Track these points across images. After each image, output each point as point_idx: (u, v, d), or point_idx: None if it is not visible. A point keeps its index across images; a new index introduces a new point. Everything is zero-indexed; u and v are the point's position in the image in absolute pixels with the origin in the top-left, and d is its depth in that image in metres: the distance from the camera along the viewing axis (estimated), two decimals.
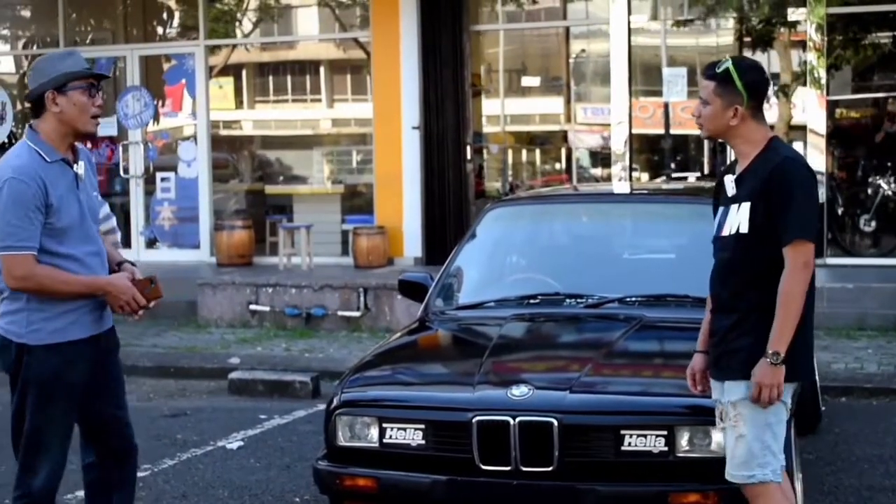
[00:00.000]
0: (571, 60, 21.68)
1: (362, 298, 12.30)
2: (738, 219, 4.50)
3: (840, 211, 14.44)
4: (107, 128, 14.69)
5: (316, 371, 10.25)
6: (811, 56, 13.61)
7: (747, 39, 19.64)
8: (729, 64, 4.48)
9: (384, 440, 5.24)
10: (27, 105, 15.83)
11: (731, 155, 17.17)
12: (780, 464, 4.48)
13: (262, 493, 6.99)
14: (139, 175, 15.37)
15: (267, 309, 12.59)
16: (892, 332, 11.40)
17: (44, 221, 4.65)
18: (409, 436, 5.19)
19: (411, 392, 5.57)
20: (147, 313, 5.11)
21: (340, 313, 12.34)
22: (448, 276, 6.78)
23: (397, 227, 14.27)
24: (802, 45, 18.39)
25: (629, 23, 13.81)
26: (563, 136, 21.55)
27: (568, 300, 6.30)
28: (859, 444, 7.82)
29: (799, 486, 5.86)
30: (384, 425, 5.24)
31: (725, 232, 4.59)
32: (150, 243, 15.27)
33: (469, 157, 14.17)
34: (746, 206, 4.47)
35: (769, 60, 21.90)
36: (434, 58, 13.99)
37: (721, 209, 4.67)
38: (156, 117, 15.71)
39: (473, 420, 5.01)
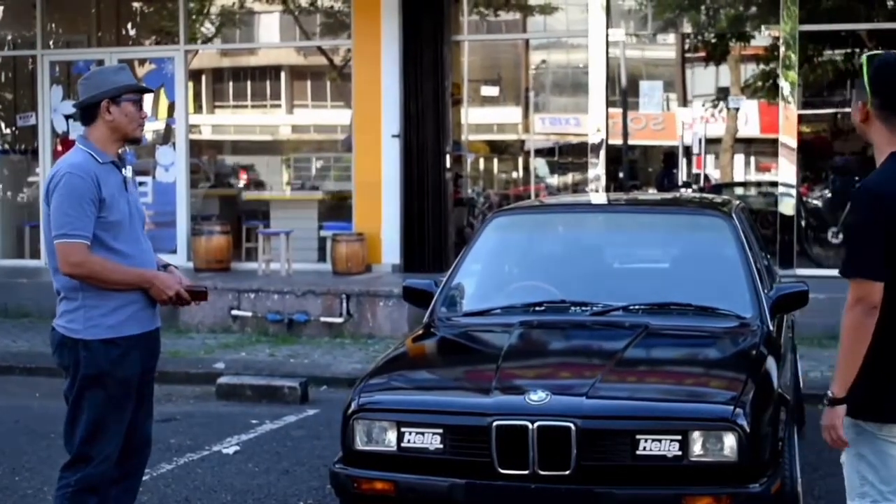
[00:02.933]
0: (532, 71, 21.91)
1: (345, 305, 12.41)
2: None
3: (803, 223, 14.65)
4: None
5: (302, 376, 10.36)
6: (782, 71, 13.83)
7: (702, 54, 19.99)
8: (864, 58, 4.21)
9: (402, 444, 5.31)
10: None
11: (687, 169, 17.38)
12: (885, 500, 4.21)
13: (265, 497, 7.07)
14: None
15: (249, 314, 12.67)
16: None
17: (97, 214, 4.97)
18: (427, 440, 5.26)
19: (429, 397, 5.66)
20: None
21: (323, 319, 12.45)
22: (453, 283, 6.86)
23: (376, 234, 14.38)
24: (756, 58, 18.79)
25: (607, 35, 13.98)
26: (521, 144, 21.76)
27: (573, 308, 6.40)
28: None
29: (800, 490, 6.05)
30: (402, 429, 5.31)
31: None
32: None
33: (448, 165, 14.31)
34: None
35: (717, 73, 22.28)
36: (415, 67, 14.12)
37: None
38: None
39: (492, 424, 5.11)
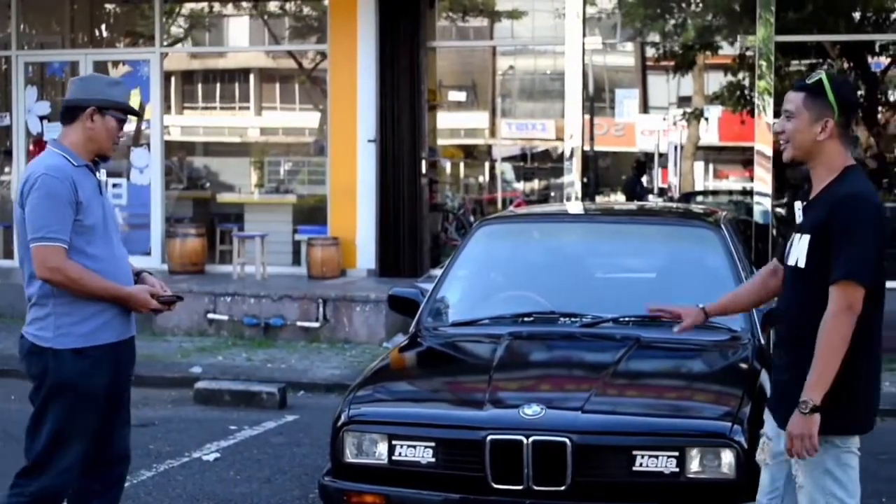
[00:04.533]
0: (500, 77, 22.00)
1: (321, 309, 12.34)
2: (799, 251, 4.29)
3: (774, 232, 14.67)
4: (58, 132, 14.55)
5: (280, 381, 10.31)
6: (756, 80, 13.86)
7: (670, 63, 20.12)
8: (822, 75, 4.28)
9: (393, 457, 5.25)
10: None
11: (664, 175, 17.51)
12: None
13: None
14: None
15: (225, 318, 12.58)
16: None
17: (74, 218, 4.84)
18: (419, 453, 5.21)
19: (421, 409, 5.59)
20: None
21: (299, 324, 12.39)
22: (440, 293, 6.80)
23: (351, 238, 14.31)
24: (725, 68, 18.92)
25: (584, 43, 13.97)
26: (489, 149, 21.88)
27: (562, 319, 6.36)
28: None
29: None
30: (393, 442, 5.25)
31: (790, 262, 4.37)
32: None
33: (424, 170, 14.26)
34: (806, 239, 4.26)
35: (679, 82, 22.45)
36: (391, 72, 14.05)
37: (791, 236, 4.45)
38: None
39: (487, 439, 5.05)
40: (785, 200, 15.96)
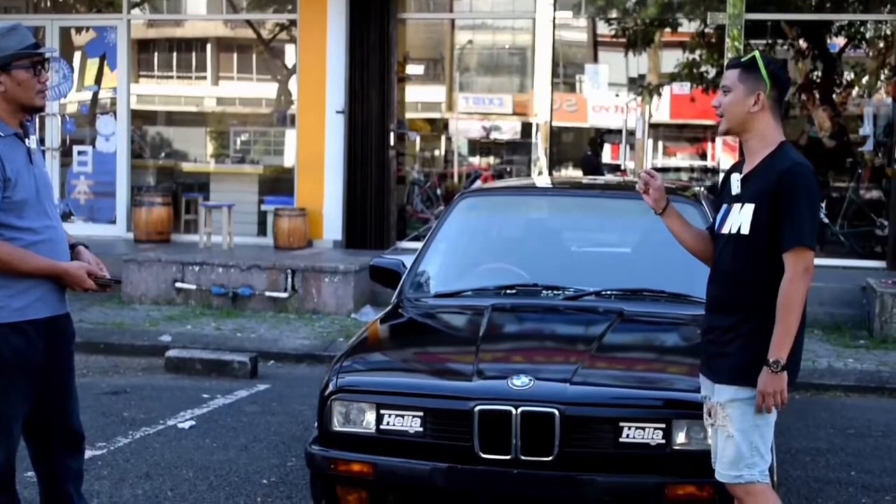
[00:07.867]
0: (470, 51, 21.88)
1: (290, 280, 12.34)
2: (740, 219, 4.54)
3: None
4: None
5: (250, 351, 10.32)
6: (727, 57, 13.94)
7: (622, 39, 20.21)
8: (756, 53, 4.58)
9: (381, 426, 5.27)
10: None
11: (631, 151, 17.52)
12: (767, 464, 4.58)
13: (227, 473, 7.00)
14: (55, 147, 15.15)
15: (193, 287, 12.54)
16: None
17: (2, 196, 4.56)
18: (407, 423, 5.23)
19: (410, 379, 5.63)
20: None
21: (268, 294, 12.38)
22: (422, 264, 6.84)
23: (318, 209, 14.34)
24: (682, 45, 19.03)
25: (554, 18, 14.01)
26: (445, 124, 21.87)
27: (545, 292, 6.42)
28: (795, 437, 8.09)
29: (776, 479, 6.12)
30: (381, 412, 5.27)
31: (725, 230, 4.64)
32: (65, 217, 15.04)
33: (392, 143, 14.28)
34: (750, 207, 4.51)
35: (637, 60, 22.50)
36: (361, 44, 14.04)
37: (723, 206, 4.71)
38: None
39: (475, 409, 5.08)
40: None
